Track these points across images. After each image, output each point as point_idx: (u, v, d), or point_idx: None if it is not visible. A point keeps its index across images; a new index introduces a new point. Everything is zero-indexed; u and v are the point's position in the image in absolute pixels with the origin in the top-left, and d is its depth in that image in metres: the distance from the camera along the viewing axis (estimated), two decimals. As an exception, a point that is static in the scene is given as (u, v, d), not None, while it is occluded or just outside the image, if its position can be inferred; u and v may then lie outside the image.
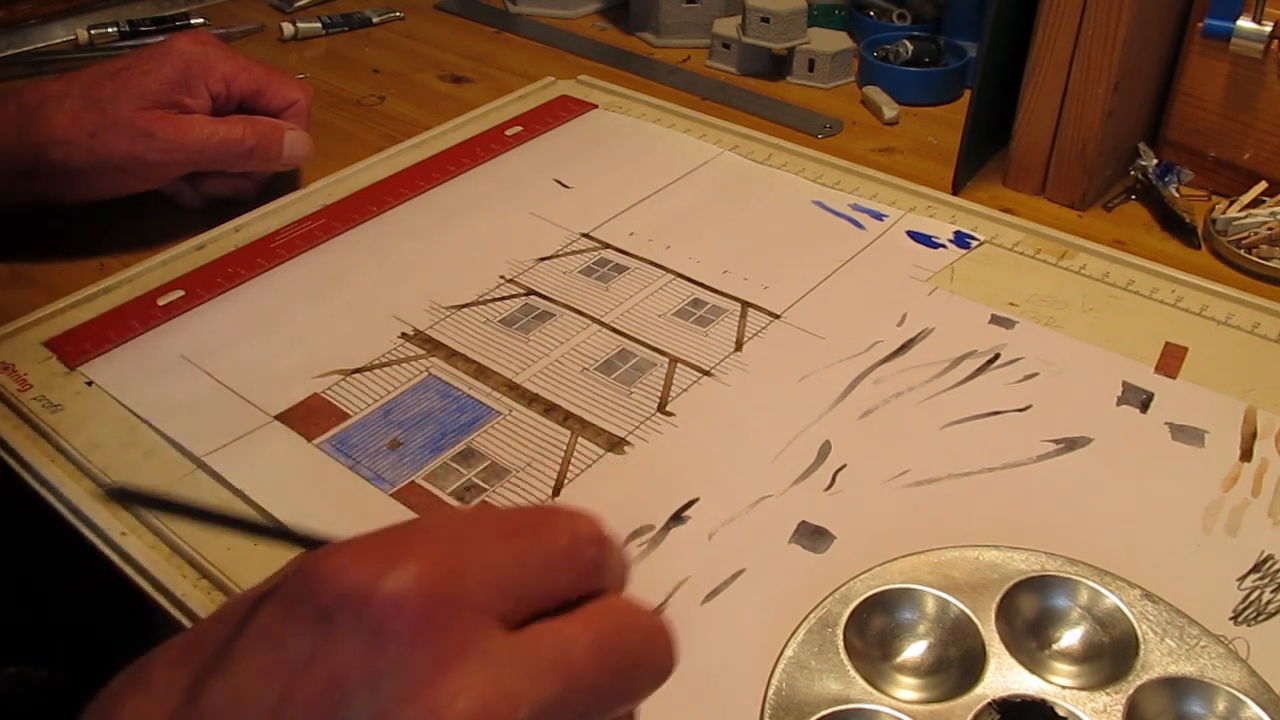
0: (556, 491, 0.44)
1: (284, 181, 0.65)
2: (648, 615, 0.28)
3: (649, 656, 0.27)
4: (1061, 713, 0.34)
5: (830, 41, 0.78)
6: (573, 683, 0.25)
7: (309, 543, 0.27)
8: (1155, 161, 0.64)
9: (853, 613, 0.37)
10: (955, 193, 0.64)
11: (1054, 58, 0.60)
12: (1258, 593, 0.39)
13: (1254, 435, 0.46)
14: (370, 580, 0.23)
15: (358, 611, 0.23)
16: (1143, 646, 0.36)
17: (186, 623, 0.39)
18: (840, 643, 0.36)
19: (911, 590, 0.38)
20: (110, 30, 0.84)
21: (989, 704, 0.35)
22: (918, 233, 0.60)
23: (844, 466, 0.45)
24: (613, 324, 0.53)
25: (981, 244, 0.59)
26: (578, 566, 0.27)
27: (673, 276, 0.57)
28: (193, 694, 0.24)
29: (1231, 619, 0.38)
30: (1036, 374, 0.49)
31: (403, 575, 0.24)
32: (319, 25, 0.87)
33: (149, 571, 0.41)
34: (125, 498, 0.33)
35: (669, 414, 0.48)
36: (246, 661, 0.24)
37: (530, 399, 0.48)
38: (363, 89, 0.79)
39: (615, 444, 0.46)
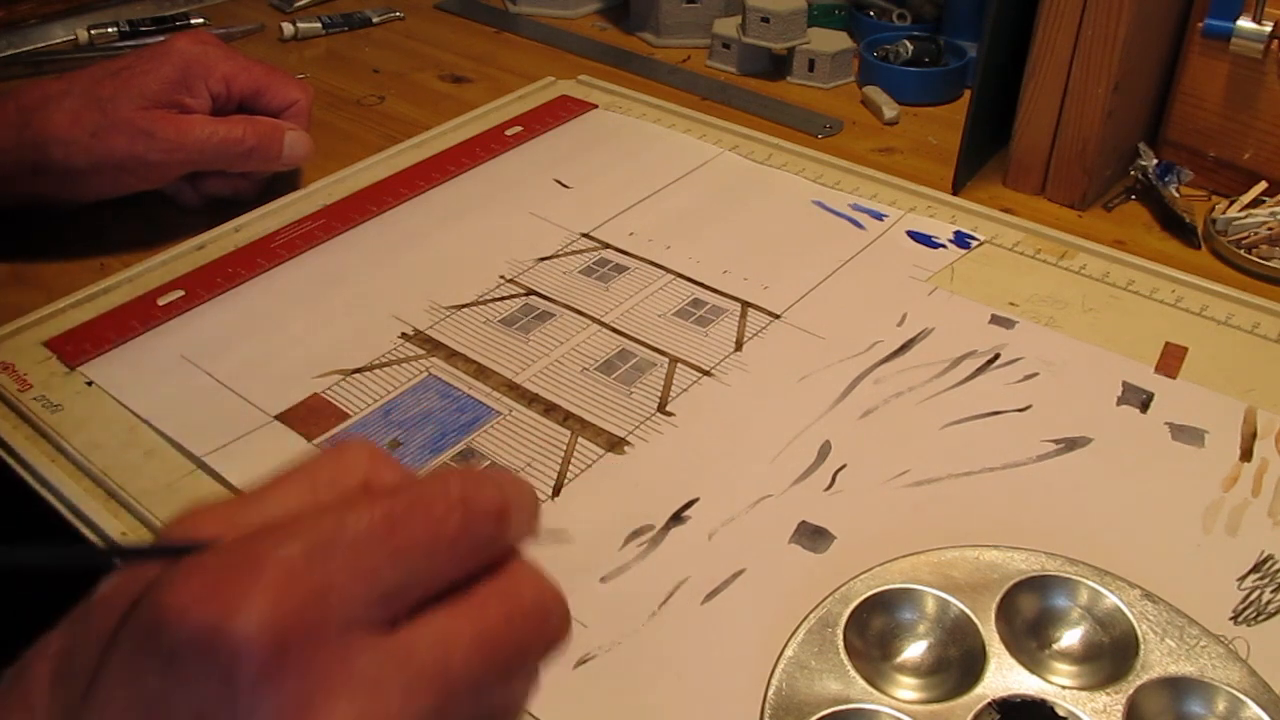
0: (556, 491, 0.44)
1: (284, 181, 0.65)
2: (542, 590, 0.26)
3: (538, 638, 0.26)
4: (1061, 713, 0.34)
5: (830, 41, 0.78)
6: (451, 689, 0.24)
7: (165, 553, 0.24)
8: (1155, 161, 0.64)
9: (853, 613, 0.37)
10: (955, 193, 0.64)
11: (1054, 58, 0.60)
12: (1258, 593, 0.39)
13: (1254, 435, 0.46)
14: (217, 619, 0.22)
15: (207, 655, 0.22)
16: (1143, 646, 0.36)
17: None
18: (840, 643, 0.36)
19: (911, 590, 0.38)
20: (110, 30, 0.84)
21: (989, 704, 0.35)
22: (918, 233, 0.60)
23: (844, 466, 0.45)
24: (613, 324, 0.53)
25: (981, 244, 0.59)
26: (465, 551, 0.25)
27: (673, 276, 0.57)
28: None
29: (1231, 619, 0.38)
30: (1036, 374, 0.49)
31: (250, 615, 0.22)
32: (319, 25, 0.87)
33: (149, 571, 0.41)
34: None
35: (669, 414, 0.48)
36: (110, 694, 0.23)
37: (530, 399, 0.48)
38: (363, 89, 0.79)
39: (615, 444, 0.46)
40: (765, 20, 0.76)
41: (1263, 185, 0.61)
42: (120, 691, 0.23)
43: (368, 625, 0.23)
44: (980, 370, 0.50)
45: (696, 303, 0.55)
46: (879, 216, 0.61)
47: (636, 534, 0.42)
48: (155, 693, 0.22)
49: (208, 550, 0.23)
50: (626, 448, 0.46)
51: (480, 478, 0.26)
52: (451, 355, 0.51)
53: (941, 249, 0.58)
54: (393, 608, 0.24)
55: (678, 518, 0.43)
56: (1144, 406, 0.48)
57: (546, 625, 0.26)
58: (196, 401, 0.48)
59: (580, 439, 0.46)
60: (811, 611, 0.38)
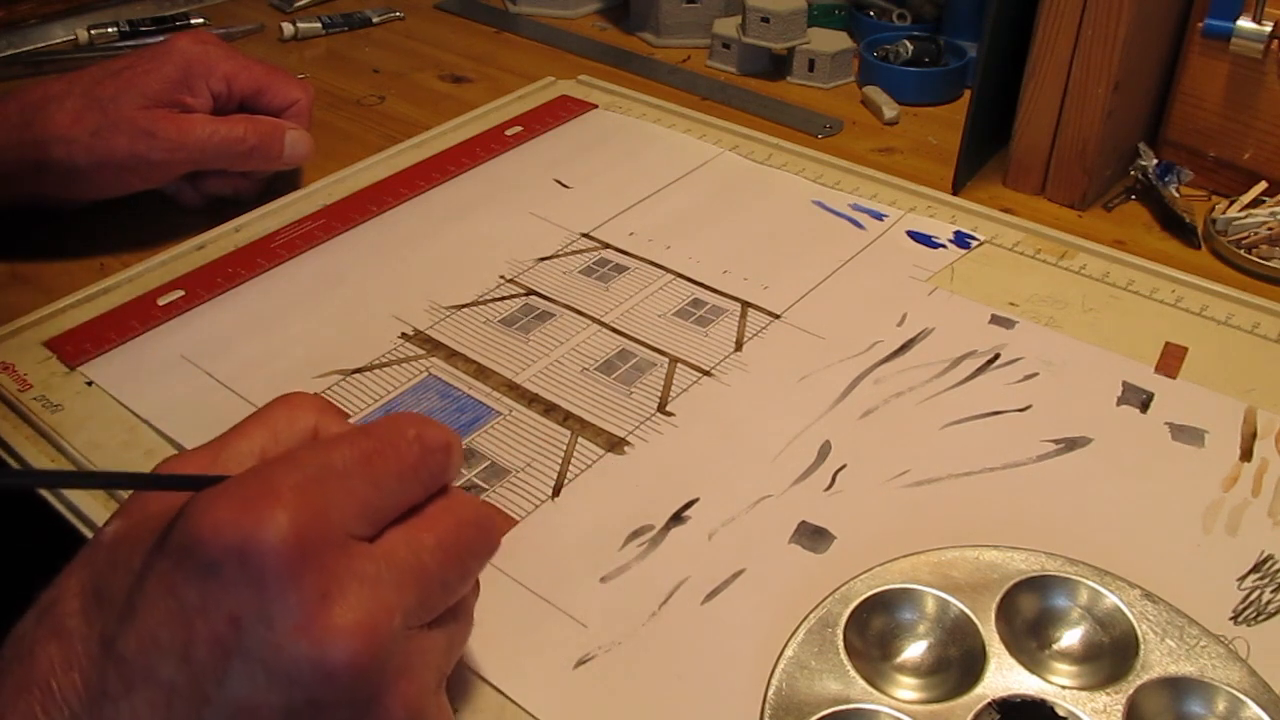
0: (556, 492, 0.44)
1: (284, 181, 0.65)
2: (478, 505, 0.33)
3: (483, 543, 0.32)
4: (1061, 713, 0.34)
5: (830, 41, 0.78)
6: (428, 583, 0.29)
7: (188, 484, 0.29)
8: (1155, 161, 0.64)
9: (853, 613, 0.37)
10: (955, 193, 0.64)
11: (1054, 58, 0.60)
12: (1258, 593, 0.39)
13: (1254, 435, 0.46)
14: (248, 533, 0.26)
15: (240, 563, 0.26)
16: (1143, 646, 0.36)
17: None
18: (840, 643, 0.36)
19: (911, 590, 0.38)
20: (110, 30, 0.84)
21: (989, 704, 0.35)
22: (918, 233, 0.60)
23: (844, 466, 0.45)
24: (613, 324, 0.53)
25: (981, 244, 0.59)
26: (425, 478, 0.31)
27: (673, 276, 0.57)
28: (107, 642, 0.27)
29: (1231, 619, 0.38)
30: (1036, 374, 0.49)
31: (275, 525, 0.27)
32: (319, 25, 0.87)
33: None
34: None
35: (669, 414, 0.48)
36: (149, 609, 0.27)
37: (530, 399, 0.48)
38: (363, 89, 0.79)
39: (615, 444, 0.46)
40: (765, 20, 0.76)
41: (1263, 185, 0.61)
42: (160, 605, 0.27)
43: (356, 537, 0.29)
44: (980, 370, 0.50)
45: (696, 303, 0.55)
46: (879, 216, 0.61)
47: (636, 534, 0.42)
48: (194, 602, 0.27)
49: (224, 482, 0.28)
50: (626, 448, 0.46)
51: (427, 421, 0.32)
52: (451, 355, 0.51)
53: (941, 249, 0.58)
54: (373, 524, 0.29)
55: (678, 518, 0.43)
56: (1144, 406, 0.48)
57: (485, 531, 0.32)
58: (196, 401, 0.48)
59: (580, 439, 0.46)
60: (811, 611, 0.38)
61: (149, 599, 0.27)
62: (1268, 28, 0.58)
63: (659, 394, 0.49)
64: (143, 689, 0.26)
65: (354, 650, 0.26)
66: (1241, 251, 0.58)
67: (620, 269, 0.57)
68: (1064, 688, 0.35)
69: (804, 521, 0.42)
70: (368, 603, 0.27)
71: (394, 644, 0.28)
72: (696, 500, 0.43)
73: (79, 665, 0.27)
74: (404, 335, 0.52)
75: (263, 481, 0.28)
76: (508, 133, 0.70)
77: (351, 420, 0.47)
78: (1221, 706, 0.35)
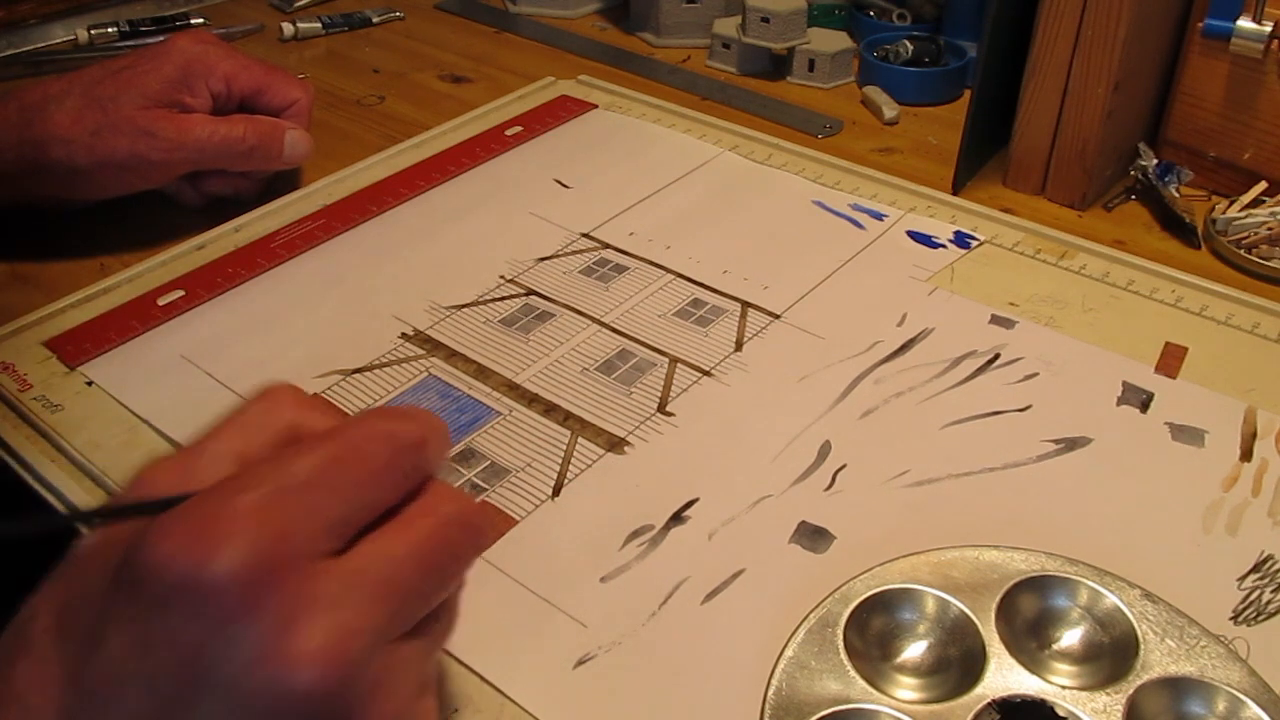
0: (556, 491, 0.44)
1: (284, 181, 0.65)
2: (460, 502, 0.30)
3: (466, 542, 0.30)
4: (1061, 713, 0.34)
5: (830, 41, 0.78)
6: (402, 598, 0.28)
7: (142, 510, 0.28)
8: (1155, 161, 0.64)
9: (853, 613, 0.37)
10: (955, 193, 0.64)
11: (1054, 58, 0.60)
12: (1258, 593, 0.39)
13: (1254, 435, 0.46)
14: (196, 568, 0.25)
15: (191, 599, 0.25)
16: (1143, 646, 0.36)
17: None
18: (840, 643, 0.36)
19: (911, 590, 0.38)
20: (110, 30, 0.84)
21: (989, 704, 0.35)
22: (918, 233, 0.60)
23: (844, 466, 0.45)
24: (613, 324, 0.53)
25: (981, 244, 0.59)
26: (396, 478, 0.29)
27: (673, 276, 0.57)
28: (74, 671, 0.26)
29: (1231, 619, 0.38)
30: (1036, 374, 0.50)
31: (227, 557, 0.25)
32: (319, 25, 0.87)
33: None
34: None
35: (669, 414, 0.48)
36: (113, 639, 0.26)
37: (530, 399, 0.48)
38: (363, 89, 0.79)
39: (615, 444, 0.46)
40: (765, 20, 0.76)
41: (1263, 185, 0.61)
42: (123, 636, 0.26)
43: (322, 554, 0.27)
44: (980, 370, 0.50)
45: (696, 303, 0.55)
46: (879, 216, 0.61)
47: (636, 534, 0.42)
48: (155, 634, 0.25)
49: (177, 507, 0.26)
50: (626, 448, 0.46)
51: (400, 414, 0.30)
52: (451, 355, 0.51)
53: (941, 249, 0.58)
54: (340, 536, 0.28)
55: (678, 518, 0.43)
56: (1144, 406, 0.48)
57: (469, 528, 0.30)
58: (196, 401, 0.48)
59: (580, 439, 0.46)
60: (811, 611, 0.38)
61: (111, 628, 0.26)
62: (1268, 28, 0.58)
63: (659, 394, 0.49)
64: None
65: (317, 678, 0.25)
66: (1241, 251, 0.58)
67: (620, 269, 0.57)
68: (1064, 688, 0.35)
69: (804, 521, 0.42)
70: (332, 628, 0.26)
71: (363, 667, 0.27)
72: (696, 500, 0.43)
73: (52, 690, 0.26)
74: (404, 335, 0.52)
75: (218, 506, 0.26)
76: (508, 133, 0.70)
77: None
78: (1221, 706, 0.35)
